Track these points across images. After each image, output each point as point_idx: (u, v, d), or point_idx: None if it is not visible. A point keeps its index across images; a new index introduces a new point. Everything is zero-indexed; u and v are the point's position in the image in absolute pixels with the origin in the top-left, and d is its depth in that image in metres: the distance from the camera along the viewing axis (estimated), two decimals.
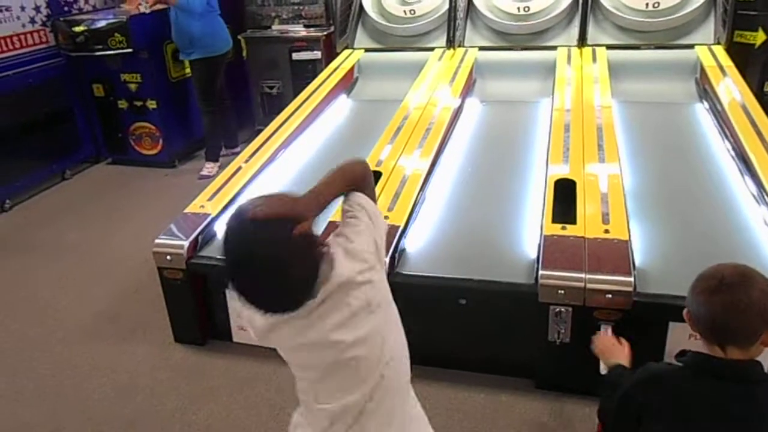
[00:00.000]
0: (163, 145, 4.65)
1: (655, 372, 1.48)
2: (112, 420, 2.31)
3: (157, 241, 2.58)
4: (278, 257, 1.08)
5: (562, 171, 2.70)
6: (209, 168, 4.50)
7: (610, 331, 2.01)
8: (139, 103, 4.54)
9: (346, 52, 4.48)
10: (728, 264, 1.39)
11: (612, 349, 1.77)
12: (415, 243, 2.50)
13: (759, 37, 3.92)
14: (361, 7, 4.63)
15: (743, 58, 3.83)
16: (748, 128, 2.94)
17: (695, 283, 1.40)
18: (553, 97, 3.49)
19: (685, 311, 1.44)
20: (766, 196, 2.47)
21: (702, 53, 3.77)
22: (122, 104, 4.59)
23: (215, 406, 2.35)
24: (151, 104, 4.52)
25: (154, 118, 4.57)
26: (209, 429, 2.24)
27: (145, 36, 4.34)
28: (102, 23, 4.33)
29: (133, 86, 4.50)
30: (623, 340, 1.79)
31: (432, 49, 4.29)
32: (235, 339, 2.65)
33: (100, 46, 4.30)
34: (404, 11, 4.44)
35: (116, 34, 4.25)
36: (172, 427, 2.26)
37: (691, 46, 3.88)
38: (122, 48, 4.28)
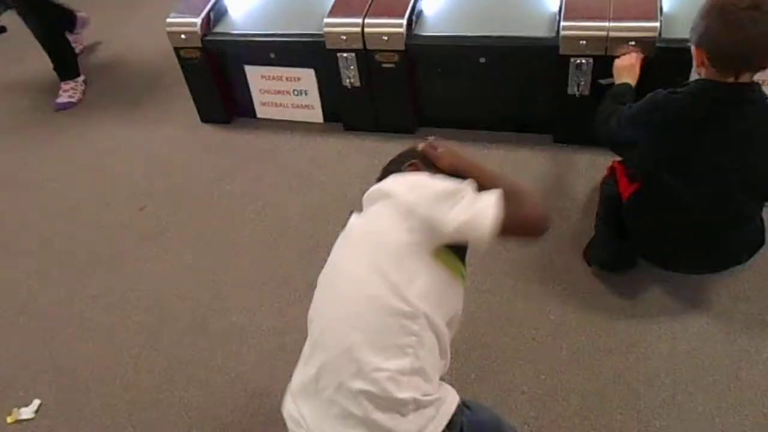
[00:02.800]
0: None
1: (661, 97, 1.54)
2: (155, 193, 2.48)
3: (168, 20, 2.53)
4: None
5: None
6: (68, 89, 3.04)
7: (638, 57, 1.98)
8: None
9: None
10: None
11: (630, 69, 1.90)
12: (432, 3, 2.40)
13: None
14: None
15: None
16: None
17: (714, 4, 1.37)
18: None
19: (693, 44, 1.45)
20: None
21: None
22: None
23: (247, 174, 2.49)
24: None
25: None
26: (245, 194, 2.40)
27: None
28: None
29: None
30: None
31: None
32: (259, 115, 2.71)
33: None
34: None
35: None
36: (210, 194, 2.43)
37: None
38: None
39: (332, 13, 2.33)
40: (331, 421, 1.01)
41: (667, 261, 1.78)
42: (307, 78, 2.50)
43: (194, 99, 2.74)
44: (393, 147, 2.49)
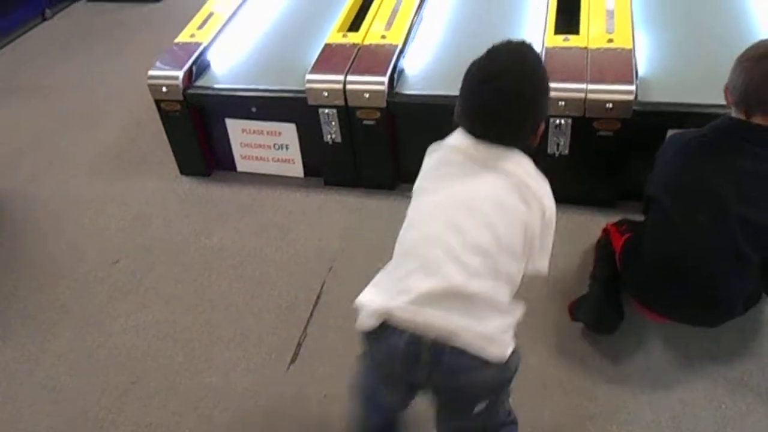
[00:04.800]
0: None
1: (678, 138, 1.63)
2: (130, 247, 2.43)
3: (150, 72, 2.53)
4: None
5: None
6: None
7: None
8: None
9: None
10: None
11: None
12: (414, 63, 2.44)
13: None
14: None
15: None
16: None
17: (743, 53, 1.47)
18: None
19: (725, 86, 1.53)
20: None
21: None
22: None
23: (226, 230, 2.45)
24: None
25: None
26: (222, 251, 2.36)
27: None
28: None
29: None
30: None
31: None
32: (239, 168, 2.70)
33: None
34: None
35: None
36: (187, 250, 2.38)
37: None
38: None
39: (314, 69, 2.35)
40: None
41: (662, 305, 1.74)
42: (288, 133, 2.50)
43: (174, 151, 2.72)
44: (374, 203, 2.52)
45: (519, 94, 1.20)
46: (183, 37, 2.68)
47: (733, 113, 1.53)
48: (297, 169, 2.61)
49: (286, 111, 2.46)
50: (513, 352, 1.20)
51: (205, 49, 2.62)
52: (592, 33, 2.29)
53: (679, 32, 2.43)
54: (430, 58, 2.48)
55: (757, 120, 1.46)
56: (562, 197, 2.27)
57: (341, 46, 2.44)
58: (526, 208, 1.20)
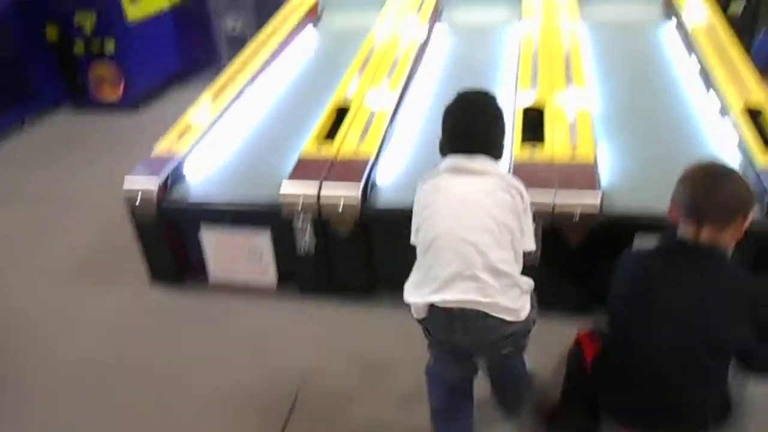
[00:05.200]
0: (125, 89, 4.51)
1: (633, 254, 1.67)
2: (101, 359, 2.34)
3: (126, 184, 2.55)
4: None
5: (530, 96, 2.71)
6: None
7: None
8: (96, 45, 4.37)
9: None
10: (715, 162, 1.60)
11: None
12: (386, 176, 2.51)
13: None
14: None
15: None
16: (714, 47, 2.96)
17: (682, 174, 1.56)
18: (521, 22, 3.45)
19: (669, 201, 1.60)
20: (730, 116, 2.51)
21: None
22: (78, 48, 4.41)
23: (198, 341, 2.39)
24: (109, 45, 4.36)
25: (114, 60, 4.41)
26: (194, 361, 2.29)
27: None
28: None
29: (87, 27, 4.31)
30: None
31: None
32: (212, 277, 2.66)
33: None
34: None
35: None
36: (158, 361, 2.30)
37: None
38: None
39: (289, 181, 2.40)
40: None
41: (633, 418, 1.71)
42: (262, 242, 2.51)
43: (146, 260, 2.70)
44: (348, 312, 2.49)
45: (487, 114, 1.66)
46: (160, 148, 2.73)
47: (680, 230, 1.58)
48: (271, 278, 2.59)
49: (260, 221, 2.47)
50: (531, 309, 1.60)
51: (182, 159, 2.67)
52: (556, 145, 2.40)
53: (637, 143, 2.55)
54: (403, 168, 2.56)
55: (709, 234, 1.52)
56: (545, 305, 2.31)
57: (316, 158, 2.50)
58: (510, 198, 1.57)
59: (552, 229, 2.16)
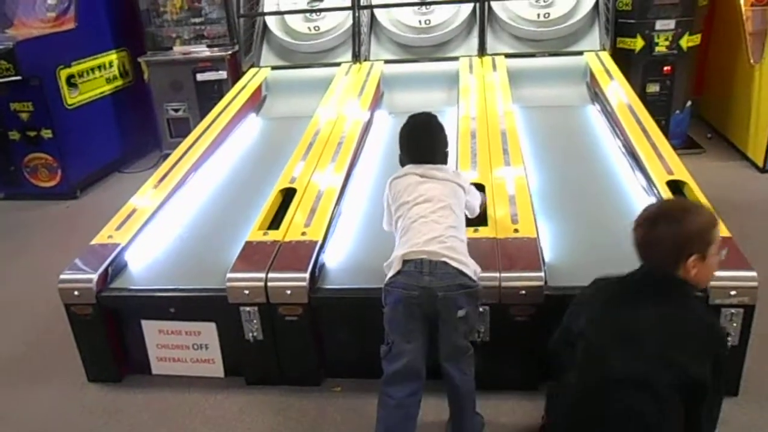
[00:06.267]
0: (62, 176, 4.40)
1: (601, 279, 1.82)
2: None
3: (62, 276, 2.44)
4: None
5: (471, 176, 2.80)
6: None
7: None
8: (32, 134, 4.28)
9: (253, 70, 4.45)
10: (666, 201, 1.85)
11: None
12: (335, 257, 2.51)
13: (638, 43, 4.25)
14: (265, 25, 4.62)
15: (626, 62, 4.15)
16: (635, 127, 3.17)
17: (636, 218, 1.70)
18: (458, 106, 3.62)
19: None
20: (654, 188, 2.67)
21: (590, 59, 4.04)
22: (14, 135, 4.30)
23: None
24: (46, 134, 4.27)
25: (51, 148, 4.31)
26: None
27: (35, 62, 4.10)
28: None
29: (24, 115, 4.24)
30: None
31: (338, 64, 4.35)
32: (154, 371, 2.54)
33: None
34: (308, 28, 4.47)
35: (2, 61, 3.99)
36: None
37: (580, 53, 4.16)
38: (9, 75, 4.02)
39: (235, 267, 2.36)
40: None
41: None
42: (207, 332, 2.43)
43: (82, 356, 2.55)
44: (298, 400, 2.41)
45: (435, 129, 2.23)
46: (100, 238, 2.65)
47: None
48: (217, 369, 2.49)
49: (206, 310, 2.40)
50: (477, 284, 2.00)
51: (123, 249, 2.59)
52: (498, 223, 2.47)
53: (578, 217, 2.66)
54: (350, 251, 2.56)
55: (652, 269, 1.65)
56: (485, 384, 2.31)
57: (262, 244, 2.48)
58: (457, 187, 2.16)
59: (500, 307, 2.19)
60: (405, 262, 1.96)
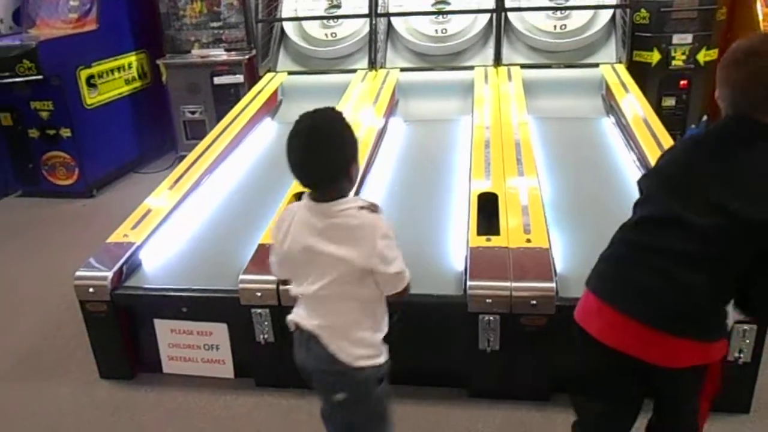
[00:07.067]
0: (80, 175, 4.47)
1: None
2: None
3: (77, 273, 2.48)
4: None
5: (484, 185, 2.81)
6: None
7: None
8: (51, 132, 4.35)
9: (269, 75, 4.50)
10: (756, 36, 1.52)
11: None
12: None
13: (654, 57, 4.25)
14: (282, 31, 4.67)
15: (642, 75, 4.15)
16: (650, 140, 3.17)
17: (723, 59, 1.49)
18: (472, 115, 3.64)
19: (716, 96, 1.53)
20: None
21: (606, 71, 4.04)
22: (33, 133, 4.38)
23: None
24: (65, 133, 4.34)
25: (69, 147, 4.39)
26: None
27: (56, 61, 4.17)
28: (8, 49, 4.13)
29: (44, 114, 4.31)
30: None
31: (354, 71, 4.38)
32: (165, 370, 2.57)
33: (7, 73, 4.09)
34: (326, 34, 4.51)
35: (24, 60, 4.07)
36: None
37: (596, 65, 4.16)
38: (31, 75, 4.09)
39: (248, 270, 2.38)
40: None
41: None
42: (219, 332, 2.45)
43: (95, 353, 2.58)
44: (307, 403, 2.42)
45: (324, 137, 1.63)
46: (115, 237, 2.69)
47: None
48: (227, 370, 2.51)
49: (217, 311, 2.43)
50: (366, 368, 1.61)
51: (138, 248, 2.63)
52: (511, 233, 2.47)
53: (590, 229, 2.65)
54: None
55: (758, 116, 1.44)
56: (496, 392, 2.31)
57: None
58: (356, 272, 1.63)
59: (511, 316, 2.20)
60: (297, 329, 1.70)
